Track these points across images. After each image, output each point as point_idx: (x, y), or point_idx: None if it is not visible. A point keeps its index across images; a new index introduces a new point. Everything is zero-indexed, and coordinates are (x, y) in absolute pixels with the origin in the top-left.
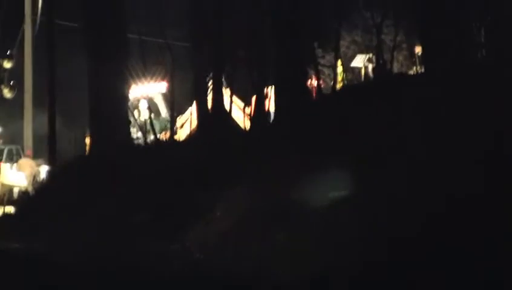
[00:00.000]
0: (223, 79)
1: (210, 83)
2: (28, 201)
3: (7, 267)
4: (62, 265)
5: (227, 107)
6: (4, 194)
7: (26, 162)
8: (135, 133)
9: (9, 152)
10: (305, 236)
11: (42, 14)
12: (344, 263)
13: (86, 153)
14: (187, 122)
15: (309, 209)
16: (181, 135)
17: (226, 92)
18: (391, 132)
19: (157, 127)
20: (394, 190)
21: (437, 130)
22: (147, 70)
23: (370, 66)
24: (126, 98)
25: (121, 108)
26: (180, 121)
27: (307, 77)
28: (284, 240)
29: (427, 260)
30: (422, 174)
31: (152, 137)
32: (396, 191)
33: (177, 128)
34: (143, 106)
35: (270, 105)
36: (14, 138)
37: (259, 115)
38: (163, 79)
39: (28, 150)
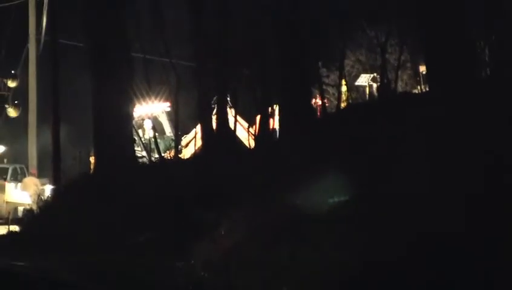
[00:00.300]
0: (228, 99)
1: (214, 102)
2: (33, 220)
3: (12, 286)
4: (67, 283)
5: (231, 127)
6: (9, 213)
7: (31, 181)
8: (140, 152)
9: (14, 171)
10: (311, 254)
11: (46, 33)
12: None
13: (91, 171)
14: (192, 142)
15: (315, 227)
16: (186, 154)
17: (231, 112)
18: (396, 150)
19: (162, 146)
20: (399, 207)
21: (442, 149)
22: (151, 89)
23: (375, 85)
24: (130, 117)
25: (125, 127)
26: (185, 140)
27: (312, 96)
28: (289, 258)
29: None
30: (425, 192)
31: (156, 156)
32: (401, 208)
33: (182, 146)
34: (148, 124)
35: (275, 123)
36: (19, 157)
37: (264, 134)
38: (167, 98)
39: (33, 169)
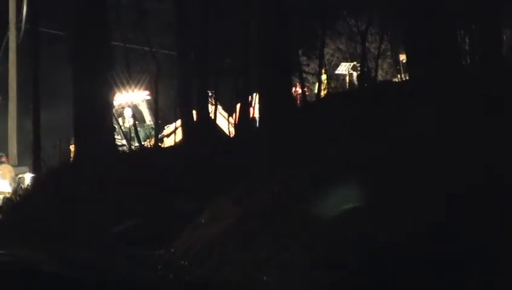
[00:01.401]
0: (208, 89)
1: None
2: (13, 208)
3: None
4: (45, 273)
5: (212, 116)
6: None
7: (6, 168)
8: (120, 140)
9: None
10: (291, 244)
11: (26, 21)
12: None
13: (71, 160)
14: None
15: (295, 216)
16: (168, 143)
17: (211, 101)
18: (376, 139)
19: (142, 134)
20: (379, 196)
21: (423, 136)
22: (132, 77)
23: (355, 74)
24: (111, 106)
25: (105, 115)
26: (167, 130)
27: (292, 84)
28: (269, 248)
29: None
30: (407, 181)
31: (136, 144)
32: (382, 198)
33: (164, 135)
34: (128, 113)
35: (255, 112)
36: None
37: (243, 122)
38: (147, 87)
39: (3, 157)
